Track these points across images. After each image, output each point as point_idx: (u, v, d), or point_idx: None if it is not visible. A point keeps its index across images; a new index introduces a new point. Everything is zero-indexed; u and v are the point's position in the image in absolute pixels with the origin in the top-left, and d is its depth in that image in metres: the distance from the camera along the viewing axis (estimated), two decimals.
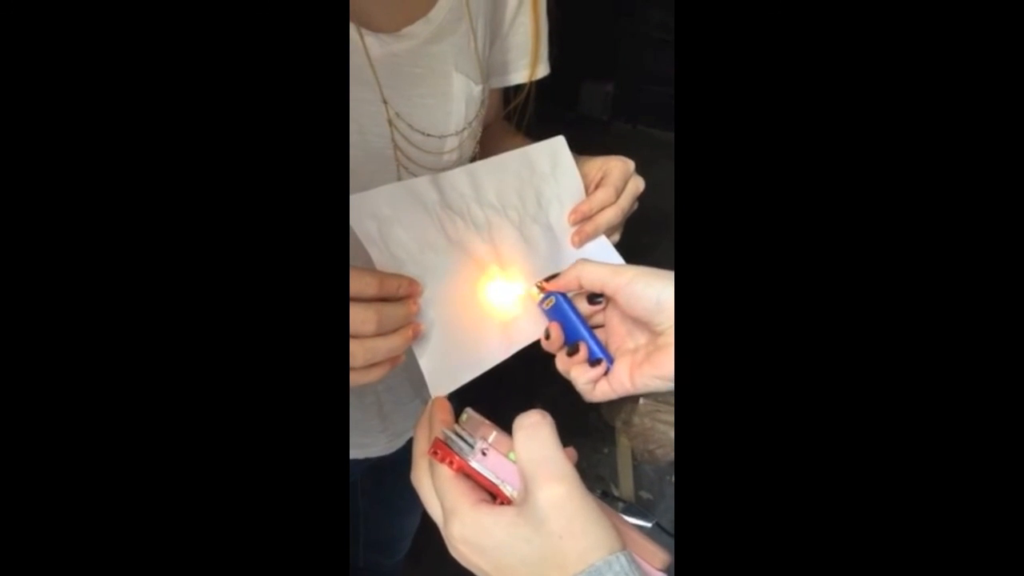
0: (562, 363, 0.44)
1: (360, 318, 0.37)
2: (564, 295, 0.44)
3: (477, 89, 0.54)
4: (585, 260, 0.43)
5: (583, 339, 0.43)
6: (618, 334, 0.44)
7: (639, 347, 0.43)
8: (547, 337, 0.44)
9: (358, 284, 0.37)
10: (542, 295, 0.45)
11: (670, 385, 0.40)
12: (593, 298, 0.44)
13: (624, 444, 1.61)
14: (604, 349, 0.44)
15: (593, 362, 0.43)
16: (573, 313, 0.44)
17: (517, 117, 0.61)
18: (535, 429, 0.32)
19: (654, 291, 0.39)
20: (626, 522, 0.35)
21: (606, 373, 0.43)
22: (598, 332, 0.45)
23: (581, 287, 0.43)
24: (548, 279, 0.44)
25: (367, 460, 0.67)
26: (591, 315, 0.45)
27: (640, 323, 0.41)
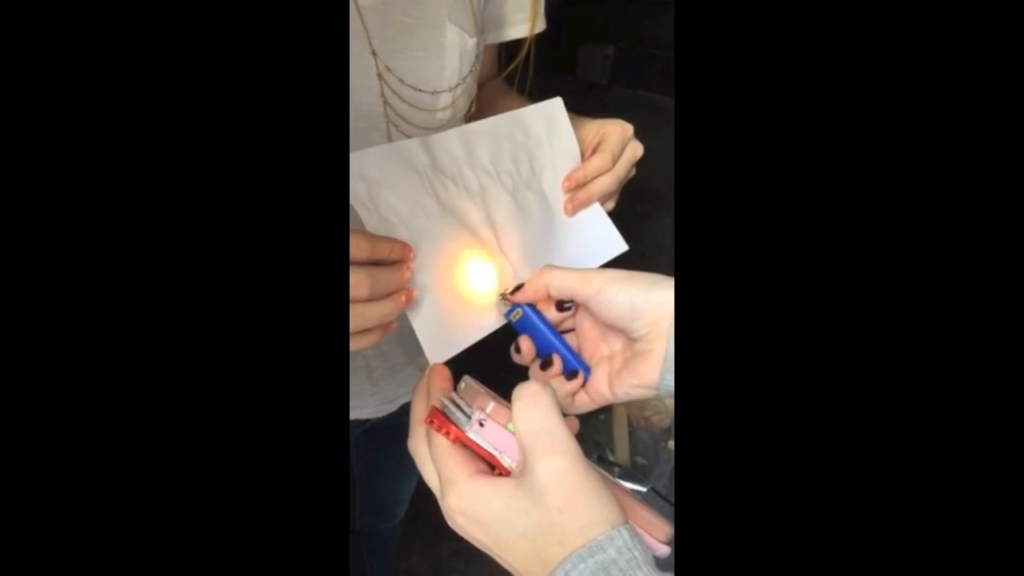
0: (536, 376, 0.41)
1: (352, 282, 0.36)
2: (532, 306, 0.42)
3: (471, 42, 0.51)
4: (551, 267, 0.40)
5: (556, 351, 0.41)
6: (591, 339, 0.42)
7: (615, 353, 0.40)
8: (518, 351, 0.42)
9: (350, 247, 0.36)
10: (508, 307, 0.42)
11: (652, 392, 0.38)
12: (561, 305, 0.41)
13: (620, 411, 1.63)
14: (579, 359, 0.41)
15: (569, 374, 0.41)
16: (543, 324, 0.41)
17: (519, 78, 0.59)
18: (534, 399, 0.31)
19: (627, 297, 0.37)
20: (629, 494, 0.34)
21: (583, 384, 0.41)
22: (569, 337, 0.42)
23: (549, 296, 0.40)
24: (514, 291, 0.42)
25: (361, 425, 0.67)
26: (560, 322, 0.42)
27: (615, 329, 0.39)
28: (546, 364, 0.41)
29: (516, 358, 0.42)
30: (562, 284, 0.39)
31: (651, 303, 0.36)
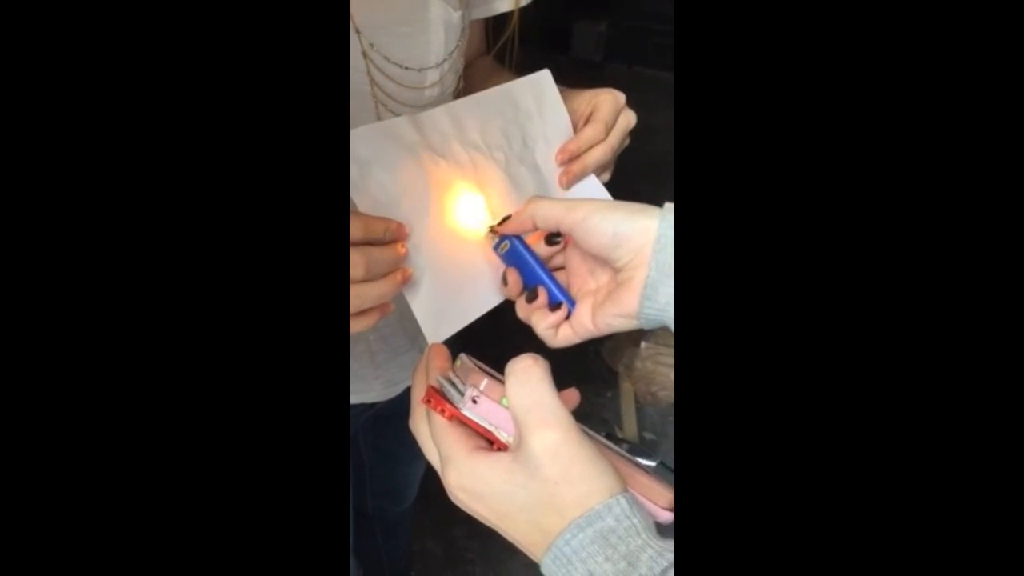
0: (522, 309, 0.42)
1: (348, 263, 0.35)
2: (519, 238, 0.42)
3: (456, 16, 0.51)
4: (538, 197, 0.40)
5: (542, 283, 0.41)
6: (579, 274, 0.42)
7: (601, 286, 0.40)
8: (505, 284, 0.42)
9: None
10: (496, 239, 0.42)
11: (633, 323, 0.38)
12: (551, 238, 0.41)
13: (627, 388, 1.63)
14: (565, 292, 0.42)
15: (553, 306, 0.41)
16: (530, 256, 0.42)
17: (508, 56, 0.58)
18: (526, 373, 0.31)
19: (610, 225, 0.37)
20: (630, 462, 0.34)
21: (568, 316, 0.41)
22: (559, 275, 0.43)
23: (535, 227, 0.41)
24: (501, 222, 0.42)
25: (367, 411, 0.67)
26: (550, 257, 0.43)
27: (600, 260, 0.39)
28: (531, 297, 0.41)
29: (502, 291, 0.43)
30: (548, 214, 0.39)
31: (633, 230, 0.37)
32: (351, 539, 0.76)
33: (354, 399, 0.62)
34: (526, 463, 0.29)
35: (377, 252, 0.37)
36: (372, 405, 0.66)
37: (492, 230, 0.43)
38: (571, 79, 0.50)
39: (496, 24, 0.59)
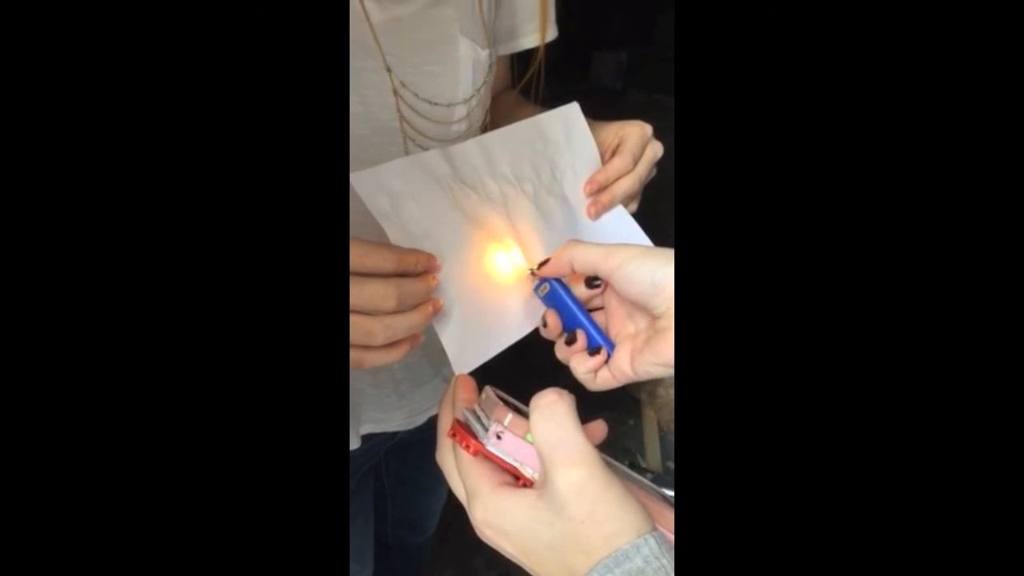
0: (561, 352, 0.42)
1: (380, 294, 0.36)
2: (559, 281, 0.42)
3: (484, 54, 0.52)
4: (575, 242, 0.40)
5: (581, 326, 0.41)
6: (618, 317, 0.41)
7: (639, 331, 0.40)
8: (545, 325, 0.42)
9: (375, 259, 0.36)
10: (536, 282, 0.43)
11: (671, 371, 0.37)
12: (591, 281, 0.41)
13: (650, 416, 1.61)
14: (604, 335, 0.41)
15: (592, 350, 0.41)
16: (569, 299, 0.41)
17: (534, 90, 0.59)
18: (551, 409, 0.30)
19: (648, 272, 0.36)
20: (657, 496, 0.33)
21: (607, 360, 0.41)
22: (598, 315, 0.42)
23: (573, 271, 0.40)
24: (541, 265, 0.42)
25: (390, 440, 0.67)
26: (589, 299, 0.42)
27: (638, 305, 0.39)
28: (570, 340, 0.41)
29: (543, 332, 0.43)
30: (585, 259, 0.39)
31: (670, 278, 0.36)
32: (371, 569, 0.76)
33: (377, 428, 0.62)
34: (551, 501, 0.29)
35: (409, 284, 0.37)
36: (395, 434, 0.66)
37: (533, 273, 0.43)
38: (593, 106, 0.51)
39: (521, 58, 0.61)
